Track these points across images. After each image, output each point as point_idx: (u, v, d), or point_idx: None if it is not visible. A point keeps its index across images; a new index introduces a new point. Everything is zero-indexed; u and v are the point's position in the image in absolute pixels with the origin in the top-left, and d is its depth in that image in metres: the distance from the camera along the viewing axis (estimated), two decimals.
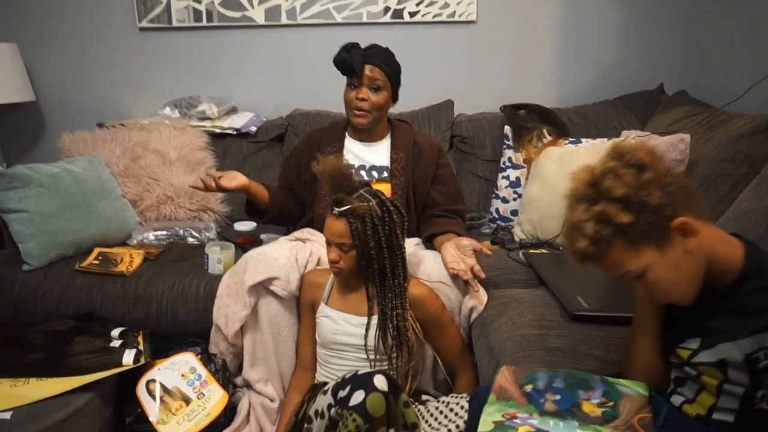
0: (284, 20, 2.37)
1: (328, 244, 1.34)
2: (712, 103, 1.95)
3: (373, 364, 1.35)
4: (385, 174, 1.72)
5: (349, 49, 1.62)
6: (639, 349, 0.98)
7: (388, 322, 1.32)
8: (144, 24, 2.40)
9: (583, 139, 1.97)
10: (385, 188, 1.68)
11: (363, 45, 1.75)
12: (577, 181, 0.88)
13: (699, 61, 2.23)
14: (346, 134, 1.78)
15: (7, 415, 1.21)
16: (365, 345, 1.35)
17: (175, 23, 2.39)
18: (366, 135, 1.75)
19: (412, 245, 1.55)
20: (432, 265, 1.47)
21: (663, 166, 0.84)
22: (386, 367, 1.35)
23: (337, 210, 1.28)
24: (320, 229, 1.45)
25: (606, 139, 1.91)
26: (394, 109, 2.05)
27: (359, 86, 1.64)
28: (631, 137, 1.80)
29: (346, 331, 1.37)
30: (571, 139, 1.98)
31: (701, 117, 1.80)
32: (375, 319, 1.35)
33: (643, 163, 0.83)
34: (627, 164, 0.83)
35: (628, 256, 0.83)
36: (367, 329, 1.35)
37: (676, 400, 0.94)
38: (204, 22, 2.39)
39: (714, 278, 0.86)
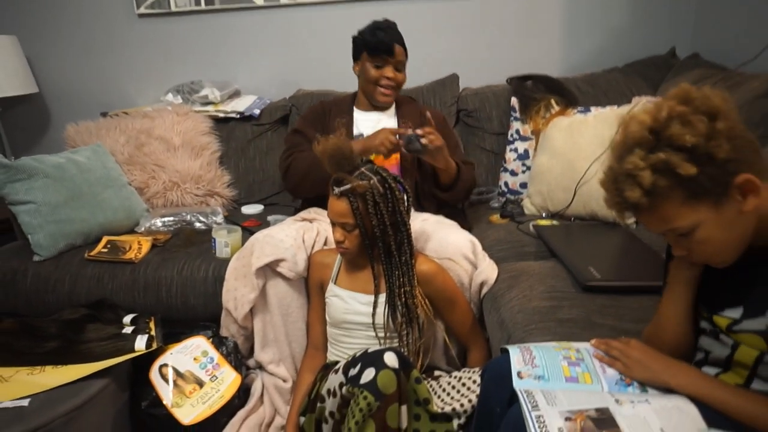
0: (284, 0, 2.33)
1: (333, 224, 1.33)
2: (726, 65, 1.88)
3: (381, 341, 1.35)
4: None
5: (384, 28, 1.65)
6: (671, 312, 0.92)
7: (396, 300, 1.31)
8: (142, 10, 2.38)
9: (592, 108, 1.91)
10: (395, 157, 1.70)
11: (366, 22, 1.73)
12: (635, 124, 0.78)
13: (712, 22, 2.15)
14: (354, 107, 1.82)
15: (25, 402, 1.23)
16: (373, 323, 1.34)
17: (174, 8, 2.36)
18: (375, 105, 1.79)
19: (420, 221, 1.53)
20: (441, 242, 1.45)
21: (735, 117, 0.76)
22: (397, 345, 1.34)
23: (337, 189, 1.26)
24: None
25: (616, 107, 1.86)
26: None
27: (385, 65, 1.68)
28: (642, 103, 1.75)
29: (356, 309, 1.36)
30: (579, 108, 1.93)
31: (715, 79, 1.74)
32: (383, 297, 1.34)
33: (717, 110, 0.74)
34: (698, 110, 0.75)
35: (681, 211, 0.77)
36: (374, 307, 1.34)
37: (709, 371, 0.88)
38: (203, 6, 2.35)
39: (762, 239, 0.80)
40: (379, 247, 1.30)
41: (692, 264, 0.89)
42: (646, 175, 0.75)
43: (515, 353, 0.94)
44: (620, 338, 0.93)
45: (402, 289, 1.31)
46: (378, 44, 1.65)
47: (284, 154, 1.74)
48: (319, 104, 1.86)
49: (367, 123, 1.77)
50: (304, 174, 1.65)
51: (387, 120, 1.78)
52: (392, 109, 1.80)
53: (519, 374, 0.90)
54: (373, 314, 1.34)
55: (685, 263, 0.89)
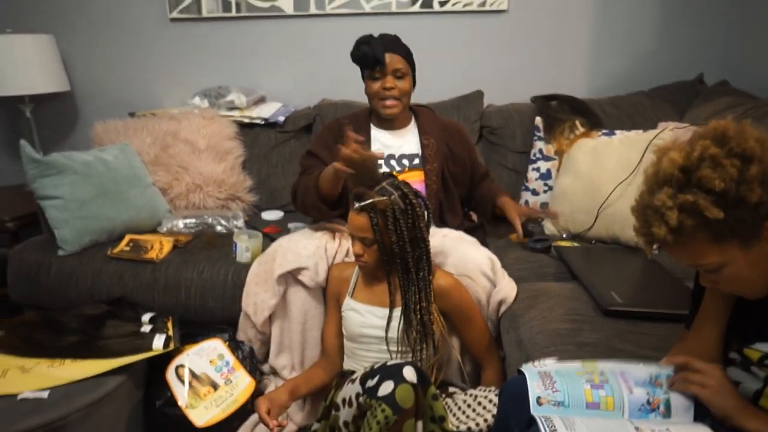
0: (313, 10, 2.36)
1: (352, 237, 1.33)
2: (757, 94, 1.87)
3: (394, 355, 1.34)
4: (417, 161, 1.70)
5: (368, 41, 1.61)
6: (703, 338, 0.91)
7: (412, 315, 1.31)
8: (174, 14, 2.43)
9: (617, 131, 1.91)
10: (418, 175, 1.67)
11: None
12: (667, 161, 0.77)
13: (742, 49, 2.14)
14: (371, 125, 1.76)
15: (45, 395, 1.25)
16: (386, 337, 1.34)
17: (204, 14, 2.41)
18: (392, 123, 1.73)
19: (440, 236, 1.53)
20: (460, 258, 1.45)
21: None
22: (411, 360, 1.33)
23: (358, 205, 1.27)
24: None
25: (641, 131, 1.85)
26: (424, 99, 2.03)
27: (383, 77, 1.62)
28: (668, 129, 1.74)
29: (372, 323, 1.36)
30: (604, 131, 1.93)
31: (744, 108, 1.72)
32: (397, 312, 1.33)
33: (751, 154, 0.73)
34: (731, 153, 0.74)
35: (708, 250, 0.76)
36: (388, 322, 1.34)
37: None
38: (233, 13, 2.40)
39: None
40: (396, 263, 1.31)
41: (728, 296, 0.88)
42: (672, 214, 0.75)
43: (534, 378, 0.93)
44: (695, 361, 0.87)
45: (418, 305, 1.31)
46: (362, 58, 1.61)
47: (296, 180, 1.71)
48: (334, 122, 1.80)
49: (388, 142, 1.72)
50: (301, 200, 1.63)
51: (407, 137, 1.73)
52: (412, 123, 1.76)
53: (538, 400, 0.90)
54: (387, 328, 1.34)
55: (720, 294, 0.88)
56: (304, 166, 1.71)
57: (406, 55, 1.65)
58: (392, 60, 1.61)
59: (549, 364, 1.00)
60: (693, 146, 0.77)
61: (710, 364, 0.86)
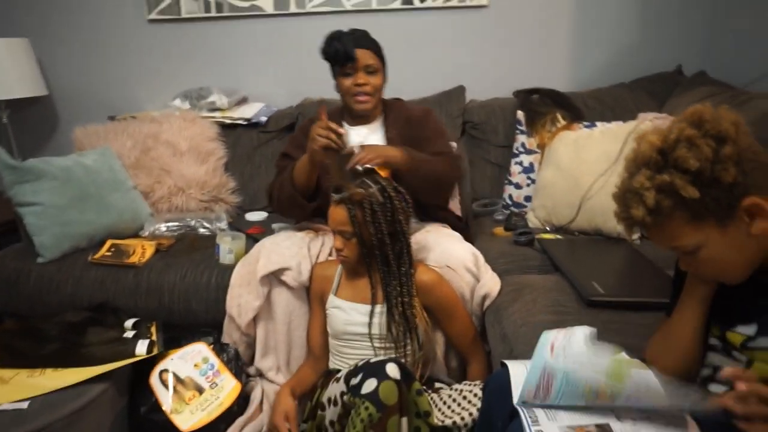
0: (293, 9, 2.35)
1: (333, 233, 1.33)
2: (733, 84, 1.89)
3: (377, 352, 1.34)
4: None
5: (338, 37, 1.59)
6: (684, 329, 0.91)
7: (394, 310, 1.30)
8: (153, 16, 2.40)
9: (598, 123, 1.92)
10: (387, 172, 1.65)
11: (375, 32, 1.70)
12: (645, 144, 0.80)
13: (720, 40, 2.16)
14: (344, 123, 1.73)
15: (24, 405, 1.22)
16: (369, 333, 1.33)
17: (184, 14, 2.39)
18: (364, 119, 1.71)
19: (423, 231, 1.53)
20: (443, 253, 1.45)
21: (746, 141, 0.77)
22: (396, 356, 1.33)
23: (336, 197, 1.27)
24: None
25: (622, 123, 1.86)
26: (405, 96, 2.03)
27: (354, 72, 1.60)
28: (648, 119, 1.75)
29: (356, 320, 1.36)
30: (585, 123, 1.94)
31: (722, 98, 1.74)
32: (380, 308, 1.33)
33: (725, 135, 0.75)
34: (706, 134, 0.76)
35: (685, 230, 0.78)
36: (370, 318, 1.33)
37: (717, 389, 0.86)
38: (213, 13, 2.38)
39: None
40: (376, 257, 1.30)
41: (707, 280, 0.88)
42: (650, 195, 0.77)
43: (533, 381, 0.86)
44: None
45: (400, 299, 1.30)
46: (335, 54, 1.58)
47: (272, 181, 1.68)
48: (308, 121, 1.76)
49: (357, 138, 1.67)
50: (277, 196, 1.61)
51: (374, 135, 1.71)
52: (380, 120, 1.73)
53: (524, 403, 0.88)
54: (370, 324, 1.33)
55: (700, 279, 0.89)
56: (279, 167, 1.69)
57: (377, 50, 1.63)
58: (363, 55, 1.59)
59: (578, 339, 0.87)
60: (670, 129, 0.79)
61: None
